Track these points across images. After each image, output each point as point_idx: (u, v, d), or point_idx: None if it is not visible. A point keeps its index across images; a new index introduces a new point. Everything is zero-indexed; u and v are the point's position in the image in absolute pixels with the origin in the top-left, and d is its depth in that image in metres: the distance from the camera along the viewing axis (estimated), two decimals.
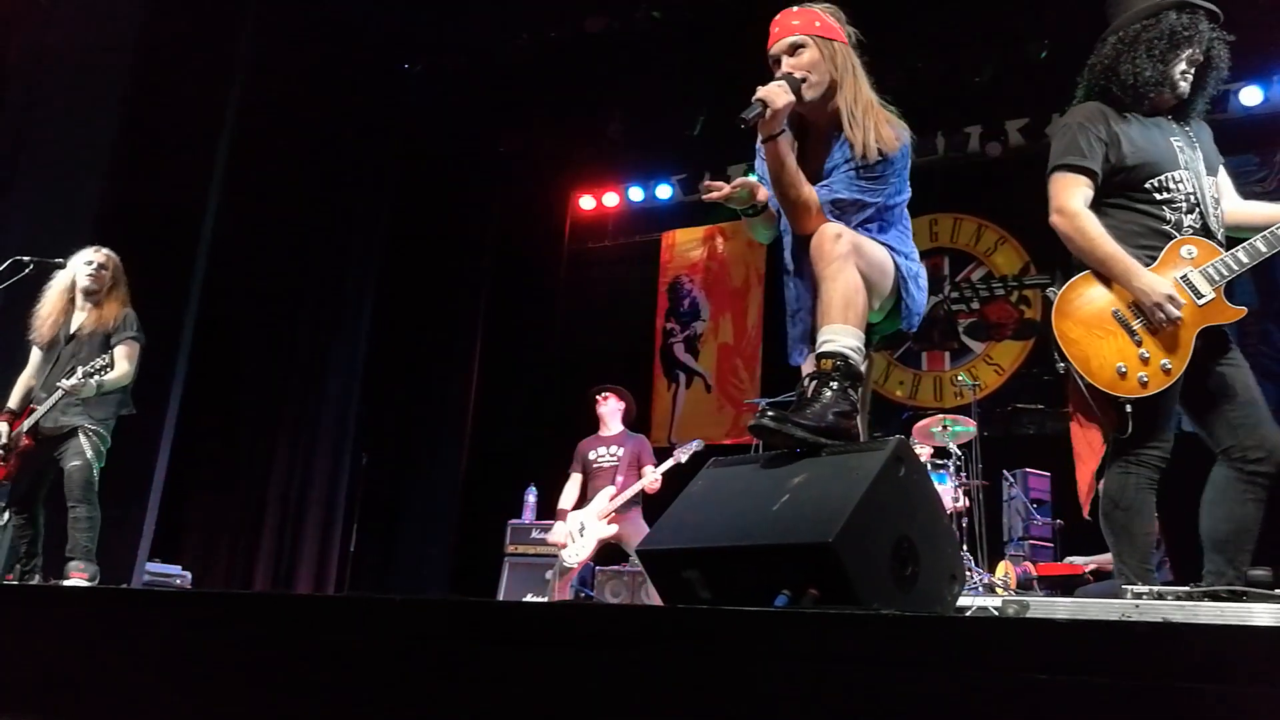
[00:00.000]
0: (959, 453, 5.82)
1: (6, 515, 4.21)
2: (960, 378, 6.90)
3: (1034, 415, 6.74)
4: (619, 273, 8.94)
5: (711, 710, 1.22)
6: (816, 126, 2.35)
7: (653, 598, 4.78)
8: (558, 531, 5.65)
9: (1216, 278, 2.50)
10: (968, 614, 2.32)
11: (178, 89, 6.09)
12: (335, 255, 7.80)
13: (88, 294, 4.44)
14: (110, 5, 5.97)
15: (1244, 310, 2.51)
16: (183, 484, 6.61)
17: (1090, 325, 2.53)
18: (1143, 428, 2.48)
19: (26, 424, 4.22)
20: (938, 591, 1.80)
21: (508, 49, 7.61)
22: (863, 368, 2.09)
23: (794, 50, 2.28)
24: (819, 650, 1.20)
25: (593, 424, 6.09)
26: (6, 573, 4.19)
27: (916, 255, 2.35)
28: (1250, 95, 6.61)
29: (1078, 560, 5.64)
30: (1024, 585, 5.48)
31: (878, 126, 2.24)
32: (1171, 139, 2.64)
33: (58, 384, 4.12)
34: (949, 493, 5.58)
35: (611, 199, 8.97)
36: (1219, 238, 2.60)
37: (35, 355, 4.46)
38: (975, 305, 7.59)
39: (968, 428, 5.88)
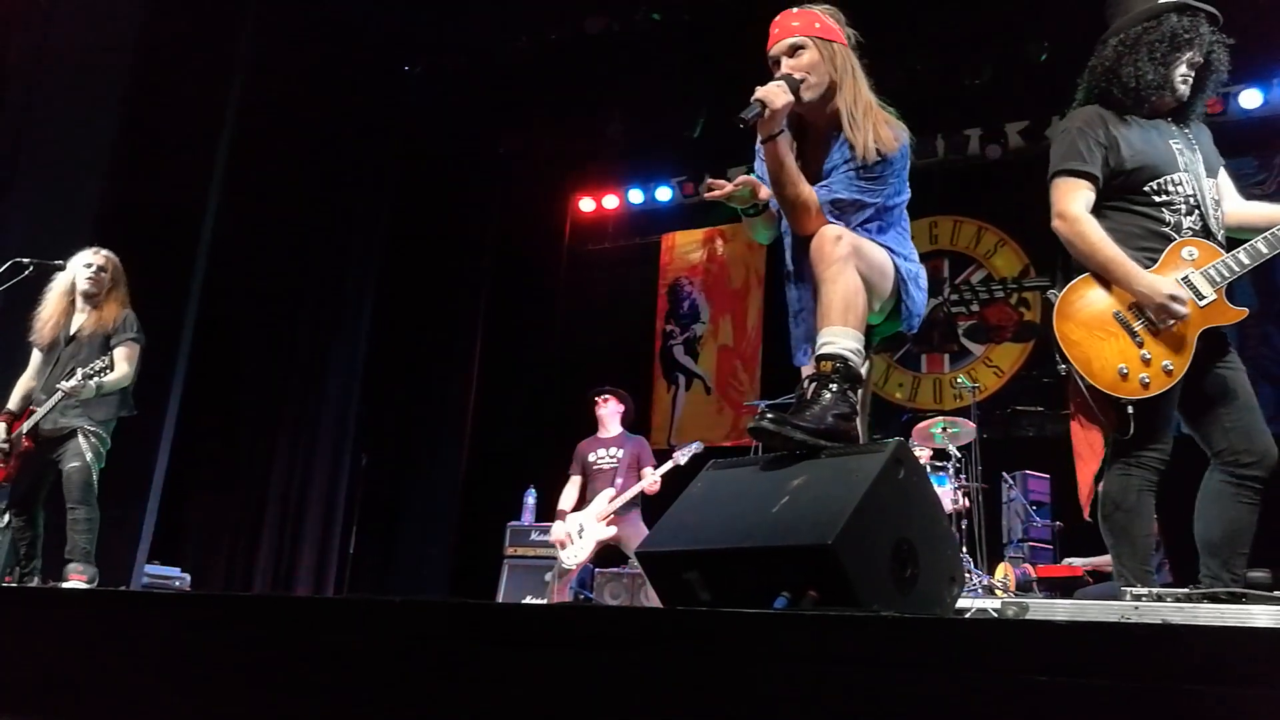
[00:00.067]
0: (958, 455, 5.82)
1: (6, 517, 4.20)
2: (960, 380, 6.90)
3: (1033, 417, 6.75)
4: (619, 274, 8.94)
5: (711, 712, 1.22)
6: (816, 128, 2.36)
7: (652, 599, 4.77)
8: (557, 529, 5.65)
9: (1218, 279, 2.50)
10: (967, 616, 2.32)
11: (178, 89, 6.09)
12: (335, 255, 7.80)
13: (87, 297, 4.43)
14: (110, 5, 5.96)
15: (1245, 311, 2.51)
16: (182, 485, 6.60)
17: (1092, 327, 2.54)
18: (1144, 429, 2.48)
19: (26, 425, 4.22)
20: (937, 593, 1.80)
21: (508, 49, 7.61)
22: (862, 370, 2.09)
23: (793, 51, 2.29)
24: (819, 652, 1.20)
25: (592, 425, 6.09)
26: (6, 575, 4.18)
27: (916, 256, 2.36)
28: (1249, 98, 6.62)
29: (1077, 562, 5.64)
30: (1023, 587, 5.48)
31: (877, 127, 2.24)
32: (1171, 141, 2.64)
33: (57, 386, 4.11)
34: (948, 495, 5.59)
35: (611, 201, 8.98)
36: (1219, 239, 2.60)
37: (35, 357, 4.46)
38: (975, 307, 7.60)
39: (967, 430, 5.89)
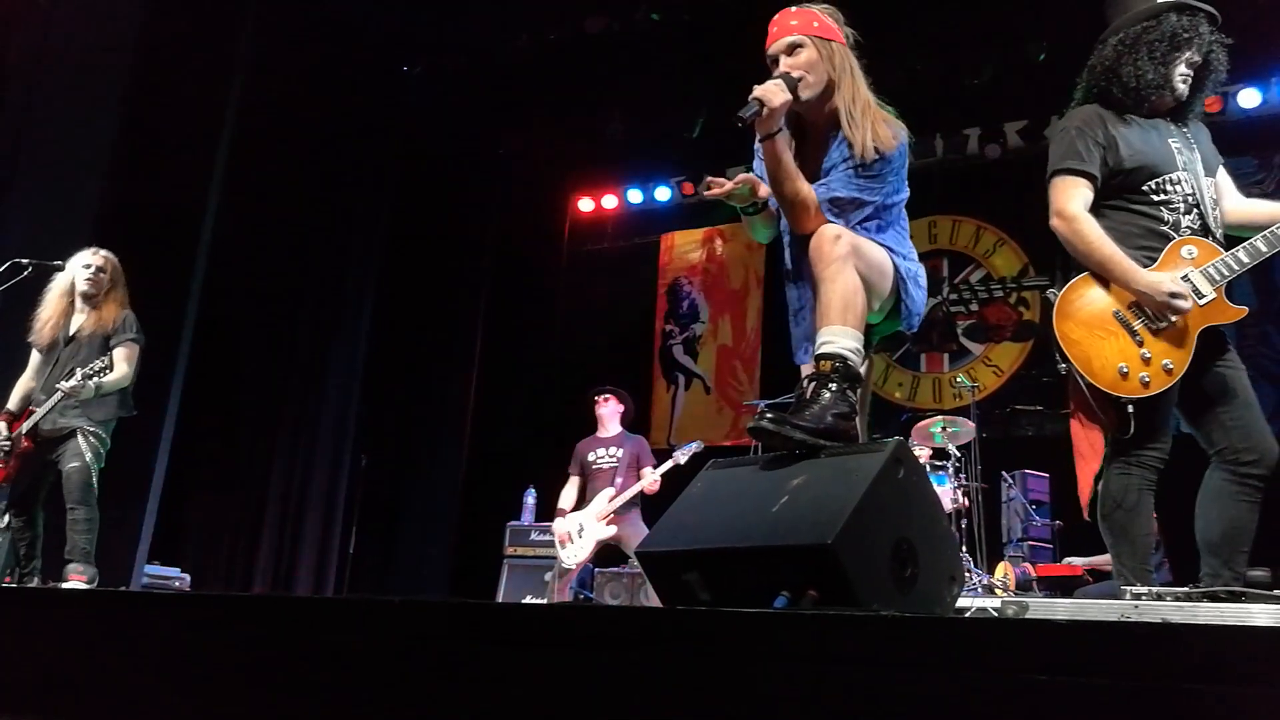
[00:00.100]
0: (958, 454, 5.82)
1: (6, 518, 4.20)
2: (959, 379, 6.91)
3: (1033, 417, 6.75)
4: (618, 274, 8.94)
5: (711, 711, 1.22)
6: (815, 127, 2.36)
7: (652, 599, 4.77)
8: (558, 528, 5.65)
9: (1217, 277, 2.50)
10: (967, 615, 2.33)
11: (178, 89, 6.08)
12: (335, 255, 7.80)
13: (86, 298, 4.43)
14: (110, 5, 5.96)
15: (1245, 310, 2.51)
16: (182, 485, 6.60)
17: (1091, 326, 2.54)
18: (1144, 428, 2.49)
19: (26, 426, 4.22)
20: (937, 592, 1.80)
21: (508, 49, 7.61)
22: (862, 369, 2.09)
23: (792, 50, 2.29)
24: (819, 651, 1.20)
25: (591, 425, 6.09)
26: (5, 575, 4.18)
27: (915, 255, 2.36)
28: (1248, 97, 6.62)
29: (1076, 561, 5.65)
30: (1023, 586, 5.49)
31: (875, 126, 2.24)
32: (1170, 140, 2.65)
33: (57, 386, 4.12)
34: (948, 494, 5.59)
35: (610, 201, 8.98)
36: (1218, 238, 2.61)
37: (35, 357, 4.46)
38: (974, 307, 7.60)
39: (966, 429, 5.89)
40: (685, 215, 8.78)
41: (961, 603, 2.39)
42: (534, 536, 6.57)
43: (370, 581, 7.69)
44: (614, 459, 5.81)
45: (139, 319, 4.47)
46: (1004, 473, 6.21)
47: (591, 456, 5.89)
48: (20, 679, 1.91)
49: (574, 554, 5.56)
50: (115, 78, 5.90)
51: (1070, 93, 2.82)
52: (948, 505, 5.49)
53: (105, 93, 5.88)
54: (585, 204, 9.04)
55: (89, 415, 4.24)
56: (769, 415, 1.95)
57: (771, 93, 2.17)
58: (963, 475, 5.81)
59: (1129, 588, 2.27)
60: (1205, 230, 2.59)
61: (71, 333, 4.40)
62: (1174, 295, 2.44)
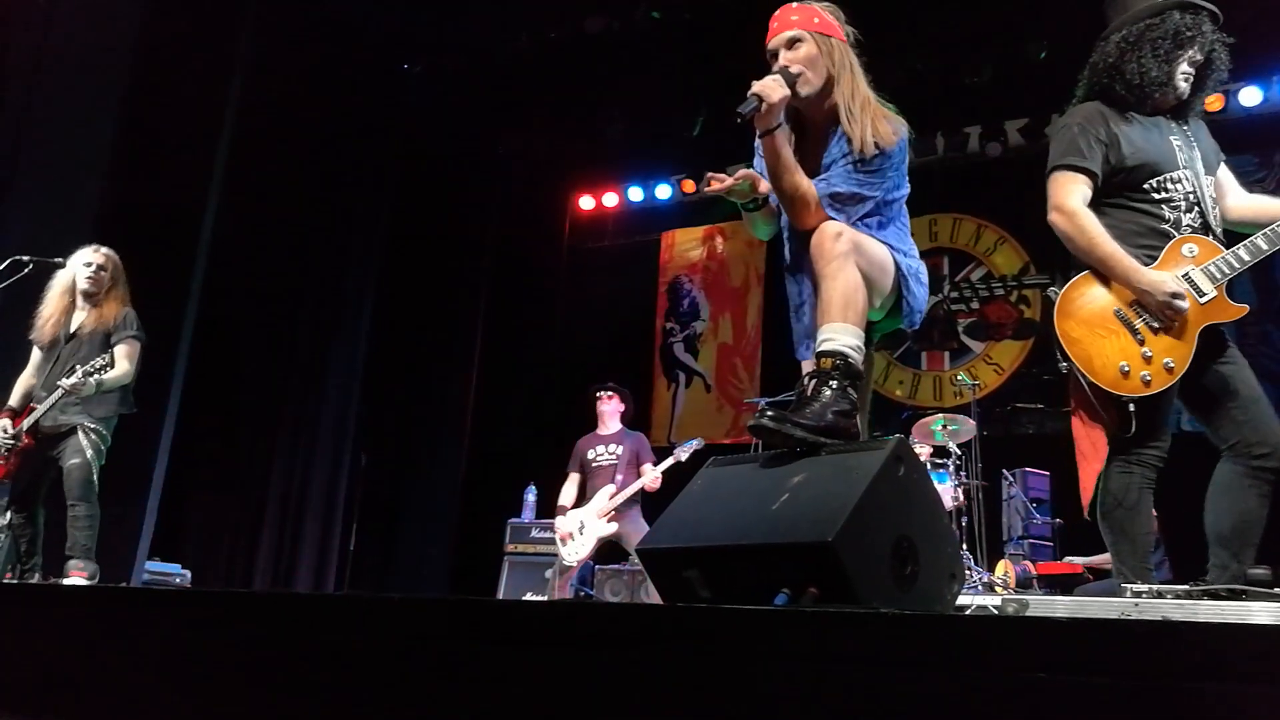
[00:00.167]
0: (958, 452, 5.82)
1: (8, 515, 4.21)
2: (960, 377, 6.91)
3: (1033, 415, 6.75)
4: (618, 273, 8.94)
5: (711, 709, 1.22)
6: (814, 123, 2.36)
7: (652, 596, 4.78)
8: (559, 526, 5.66)
9: (1218, 275, 2.50)
10: (967, 613, 2.33)
11: (178, 89, 6.08)
12: (335, 255, 7.80)
13: (86, 296, 4.44)
14: (110, 5, 5.96)
15: (1246, 308, 2.51)
16: (182, 483, 6.61)
17: (1092, 325, 2.54)
18: (1144, 427, 2.49)
19: (26, 423, 4.22)
20: (937, 590, 1.80)
21: (508, 49, 7.61)
22: (862, 367, 2.09)
23: (792, 45, 2.29)
24: (819, 649, 1.20)
25: (591, 422, 6.09)
26: (6, 572, 4.19)
27: (916, 252, 2.35)
28: (1249, 95, 6.62)
29: (1077, 559, 5.65)
30: (1023, 584, 5.49)
31: (875, 122, 2.24)
32: (1171, 139, 2.64)
33: (58, 383, 4.12)
34: (948, 492, 5.59)
35: (611, 199, 8.98)
36: (1218, 236, 2.61)
37: (35, 354, 4.47)
38: (975, 305, 7.60)
39: (967, 427, 5.89)
40: (686, 213, 8.78)
41: (962, 600, 2.39)
42: (534, 534, 6.57)
43: (370, 580, 7.70)
44: (614, 456, 5.81)
45: (139, 317, 4.48)
46: (1004, 471, 6.21)
47: (591, 454, 5.89)
48: (20, 677, 1.91)
49: (575, 551, 5.56)
50: (115, 78, 5.90)
51: (1071, 91, 2.81)
52: (948, 503, 5.49)
53: (105, 93, 5.88)
54: (586, 202, 9.04)
55: (90, 412, 4.24)
56: (769, 413, 1.94)
57: (770, 88, 2.17)
58: (963, 473, 5.81)
59: (1129, 585, 2.27)
60: (1206, 228, 2.59)
61: (72, 330, 4.41)
62: (1174, 295, 2.44)
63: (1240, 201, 2.75)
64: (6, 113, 5.80)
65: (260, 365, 7.43)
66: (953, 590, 1.85)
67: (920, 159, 7.37)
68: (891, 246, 2.25)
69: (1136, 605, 1.98)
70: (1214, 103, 6.35)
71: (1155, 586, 2.20)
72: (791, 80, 2.22)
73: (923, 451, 5.74)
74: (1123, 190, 2.61)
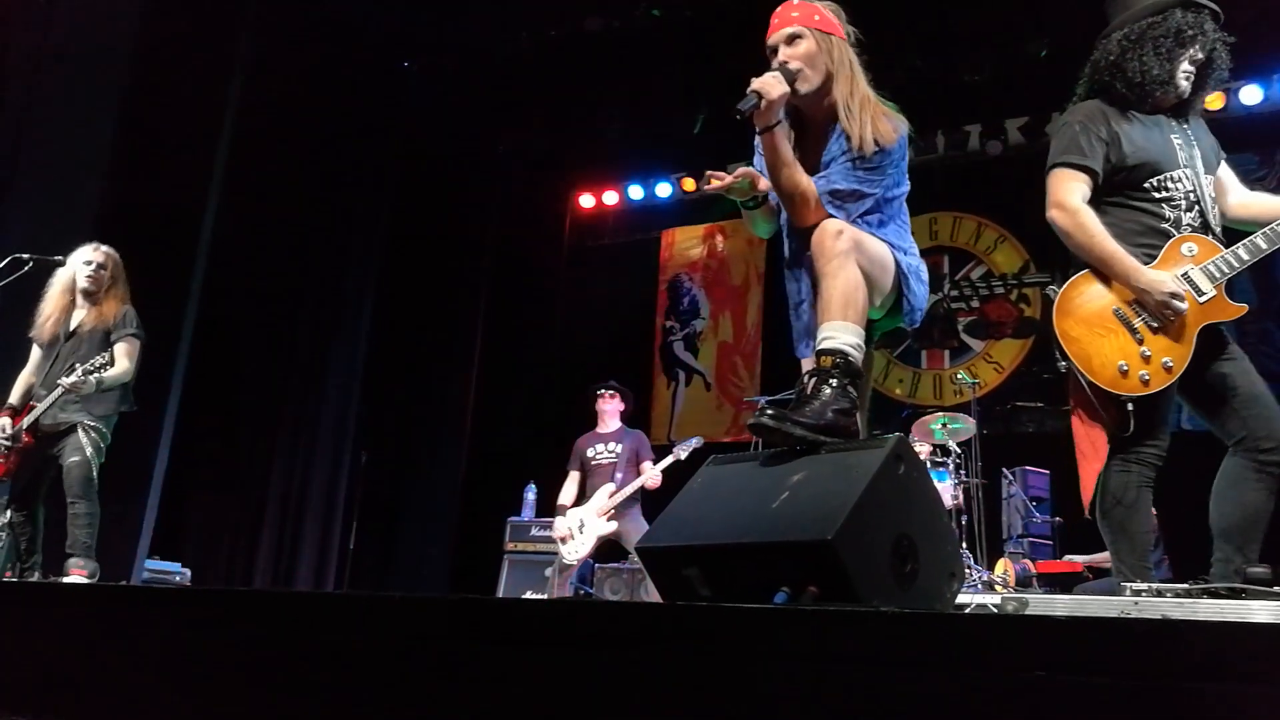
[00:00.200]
0: (958, 450, 5.82)
1: (8, 513, 4.21)
2: (960, 376, 6.91)
3: (1033, 413, 6.75)
4: (619, 271, 8.95)
5: (711, 708, 1.22)
6: (814, 121, 2.36)
7: (652, 595, 4.78)
8: (559, 525, 5.65)
9: (1217, 275, 2.50)
10: (967, 611, 2.33)
11: (177, 89, 6.08)
12: (335, 255, 7.80)
13: (86, 295, 4.44)
14: (110, 5, 5.96)
15: (1245, 307, 2.51)
16: (182, 483, 6.61)
17: (1091, 323, 2.53)
18: (1143, 426, 2.48)
19: (26, 421, 4.23)
20: (937, 589, 1.80)
21: (507, 48, 7.61)
22: (862, 365, 2.09)
23: (791, 40, 2.29)
24: (818, 648, 1.20)
25: (591, 420, 6.09)
26: (6, 570, 4.19)
27: (916, 250, 2.35)
28: (1250, 94, 6.63)
29: (1077, 558, 5.65)
30: (1023, 583, 5.49)
31: (875, 120, 2.24)
32: (1171, 138, 2.64)
33: (58, 381, 4.13)
34: (948, 490, 5.59)
35: (611, 197, 8.98)
36: (1218, 235, 2.60)
37: (35, 353, 4.47)
38: (975, 303, 7.60)
39: (967, 425, 5.89)
40: (686, 211, 8.78)
41: (961, 599, 2.38)
42: (534, 532, 6.58)
43: (370, 579, 7.70)
44: (613, 454, 5.81)
45: (139, 316, 4.48)
46: (1004, 469, 6.21)
47: (591, 452, 5.89)
48: (20, 676, 1.91)
49: (574, 550, 5.56)
50: (115, 78, 5.90)
51: (1072, 89, 2.81)
52: (948, 502, 5.49)
53: (105, 93, 5.87)
54: (586, 200, 9.04)
55: (90, 410, 4.25)
56: (769, 411, 1.95)
57: (769, 85, 2.17)
58: (963, 472, 5.81)
59: (1129, 584, 2.27)
60: (1205, 227, 2.58)
61: (72, 328, 4.41)
62: (1173, 294, 2.44)
63: (1242, 199, 2.75)
64: (6, 113, 5.80)
65: (260, 365, 7.43)
66: (952, 589, 1.85)
67: (920, 157, 7.37)
68: (892, 244, 2.25)
69: (1136, 604, 1.98)
70: (1215, 101, 6.35)
71: (1155, 585, 2.20)
72: (791, 77, 2.22)
73: (922, 450, 5.74)
74: (1123, 189, 2.61)
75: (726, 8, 6.50)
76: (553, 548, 5.78)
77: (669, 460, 5.71)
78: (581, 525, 5.60)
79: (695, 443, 5.81)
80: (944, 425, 5.88)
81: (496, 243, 8.75)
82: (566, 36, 7.47)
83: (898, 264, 2.24)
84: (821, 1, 2.38)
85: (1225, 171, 2.75)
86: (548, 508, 6.24)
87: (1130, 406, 2.46)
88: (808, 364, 2.26)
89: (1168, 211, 2.57)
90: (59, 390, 4.11)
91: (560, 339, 8.82)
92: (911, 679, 1.12)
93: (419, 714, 1.45)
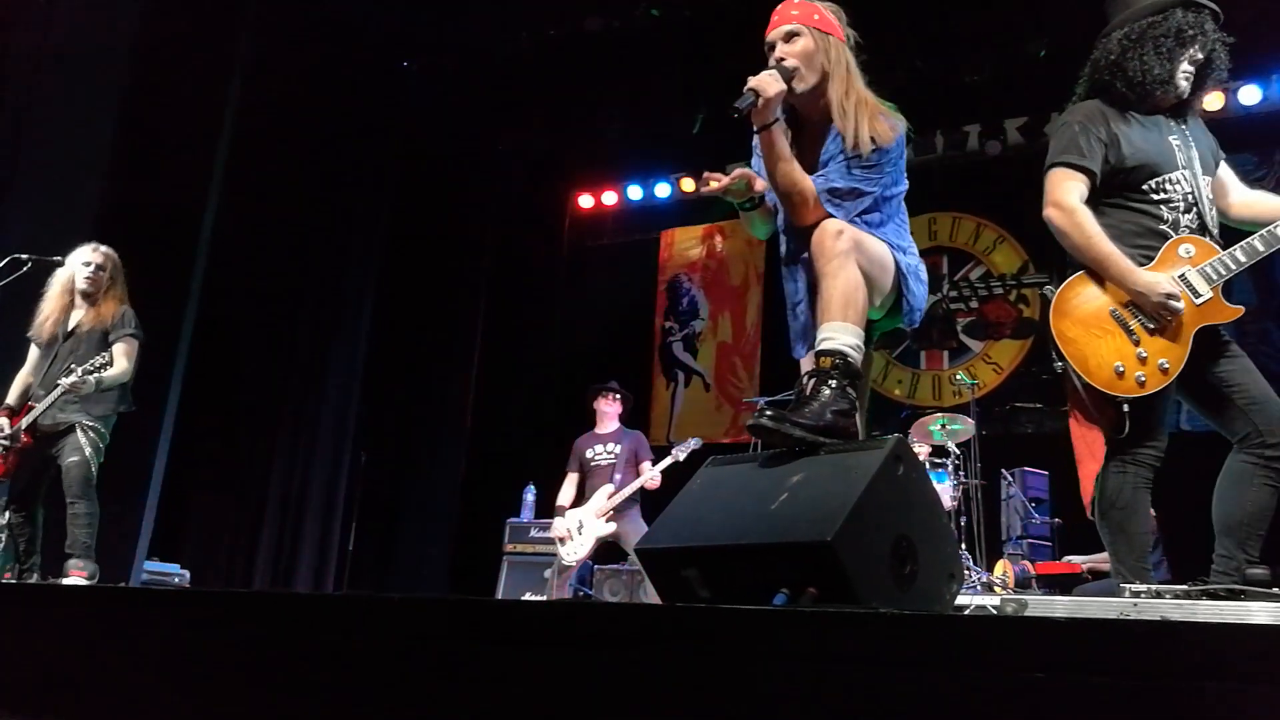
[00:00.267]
0: (957, 451, 5.82)
1: (6, 514, 4.21)
2: (959, 376, 6.91)
3: (1032, 414, 6.75)
4: (618, 271, 8.95)
5: (711, 708, 1.23)
6: (811, 120, 2.36)
7: (651, 596, 4.78)
8: (557, 525, 5.65)
9: (1214, 276, 2.50)
10: (966, 613, 2.33)
11: (177, 89, 6.08)
12: (335, 255, 7.80)
13: (85, 295, 4.45)
14: (110, 5, 5.96)
15: (1241, 309, 2.51)
16: (182, 484, 6.61)
17: (1088, 324, 2.53)
18: (1139, 427, 2.48)
19: (25, 421, 4.23)
20: (936, 590, 1.80)
21: (507, 48, 7.61)
22: (861, 366, 2.09)
23: (789, 38, 2.30)
24: (818, 649, 1.20)
25: (590, 421, 6.09)
26: (5, 571, 4.19)
27: (915, 249, 2.35)
28: (1249, 94, 6.63)
29: (1076, 559, 5.65)
30: (1022, 584, 5.49)
31: (872, 119, 2.24)
32: (1170, 138, 2.64)
33: (57, 381, 4.12)
34: (947, 491, 5.59)
35: (610, 197, 8.98)
36: (1215, 236, 2.60)
37: (33, 352, 4.47)
38: (974, 304, 7.60)
39: (966, 426, 5.89)
40: (685, 212, 8.78)
41: (960, 600, 2.38)
42: (533, 533, 6.57)
43: (370, 579, 7.70)
44: (612, 455, 5.81)
45: (138, 317, 4.48)
46: (1003, 470, 6.21)
47: (590, 453, 5.89)
48: (20, 677, 1.91)
49: (573, 551, 5.56)
50: (115, 78, 5.90)
51: (1071, 89, 2.81)
52: (947, 503, 5.49)
53: (105, 93, 5.87)
54: (585, 200, 9.04)
55: (88, 410, 4.25)
56: (768, 412, 1.95)
57: (766, 83, 2.17)
58: (962, 473, 5.81)
59: (1128, 585, 2.27)
60: (1203, 229, 2.58)
61: (70, 328, 4.41)
62: (1169, 296, 2.44)
63: (1243, 199, 2.75)
64: (6, 113, 5.80)
65: (260, 365, 7.43)
66: (952, 590, 1.85)
67: (920, 157, 7.37)
68: (891, 244, 2.25)
69: (1135, 605, 1.98)
70: (1214, 101, 6.35)
71: (1154, 586, 2.20)
72: (787, 75, 2.22)
73: (921, 451, 5.74)
74: (1121, 190, 2.61)
75: (726, 8, 6.51)
76: (552, 549, 5.77)
77: (668, 461, 5.71)
78: (580, 526, 5.60)
79: (694, 444, 5.81)
80: (943, 426, 5.88)
81: (496, 243, 8.76)
82: (566, 36, 7.47)
83: (897, 264, 2.25)
84: (823, 1, 2.38)
85: (1225, 171, 2.75)
86: (547, 509, 6.24)
87: (1126, 408, 2.46)
88: (806, 364, 2.26)
89: (1165, 213, 2.57)
90: (58, 390, 4.11)
91: (559, 339, 8.82)
92: (911, 680, 1.12)
93: (419, 714, 1.45)
